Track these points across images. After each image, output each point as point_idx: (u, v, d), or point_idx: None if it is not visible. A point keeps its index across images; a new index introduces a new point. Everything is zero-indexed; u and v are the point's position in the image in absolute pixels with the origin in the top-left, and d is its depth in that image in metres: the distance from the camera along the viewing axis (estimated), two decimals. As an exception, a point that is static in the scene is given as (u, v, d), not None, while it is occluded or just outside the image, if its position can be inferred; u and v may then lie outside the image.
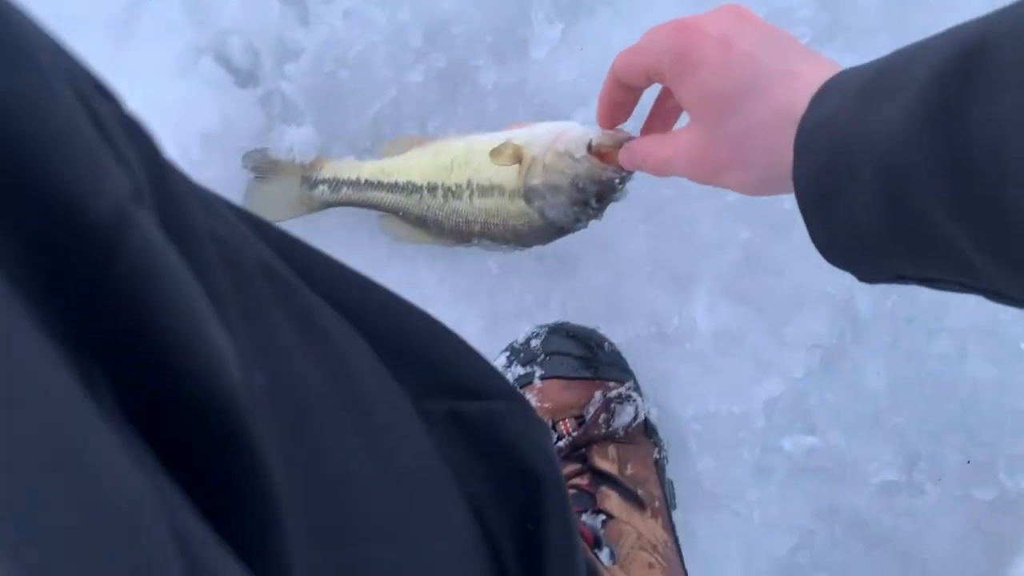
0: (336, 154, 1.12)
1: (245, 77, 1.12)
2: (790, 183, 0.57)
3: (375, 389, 0.46)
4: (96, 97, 0.28)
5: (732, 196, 1.18)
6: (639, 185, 1.13)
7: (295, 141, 1.06)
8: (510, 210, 0.93)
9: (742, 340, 1.06)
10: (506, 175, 0.93)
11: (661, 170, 0.74)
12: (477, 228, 0.97)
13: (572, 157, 0.86)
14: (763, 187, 0.64)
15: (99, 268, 0.25)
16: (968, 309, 1.07)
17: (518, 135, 0.92)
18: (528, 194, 0.91)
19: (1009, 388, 1.04)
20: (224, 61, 1.11)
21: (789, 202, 1.10)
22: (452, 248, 1.12)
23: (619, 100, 0.77)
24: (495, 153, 0.92)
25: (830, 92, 0.55)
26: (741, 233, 1.09)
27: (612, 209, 1.15)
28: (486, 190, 0.95)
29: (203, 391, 0.27)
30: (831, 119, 0.53)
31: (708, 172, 0.66)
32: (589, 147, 0.85)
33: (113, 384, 0.26)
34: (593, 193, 0.88)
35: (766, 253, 1.09)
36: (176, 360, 0.26)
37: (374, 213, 1.10)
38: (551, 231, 0.94)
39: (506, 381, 0.58)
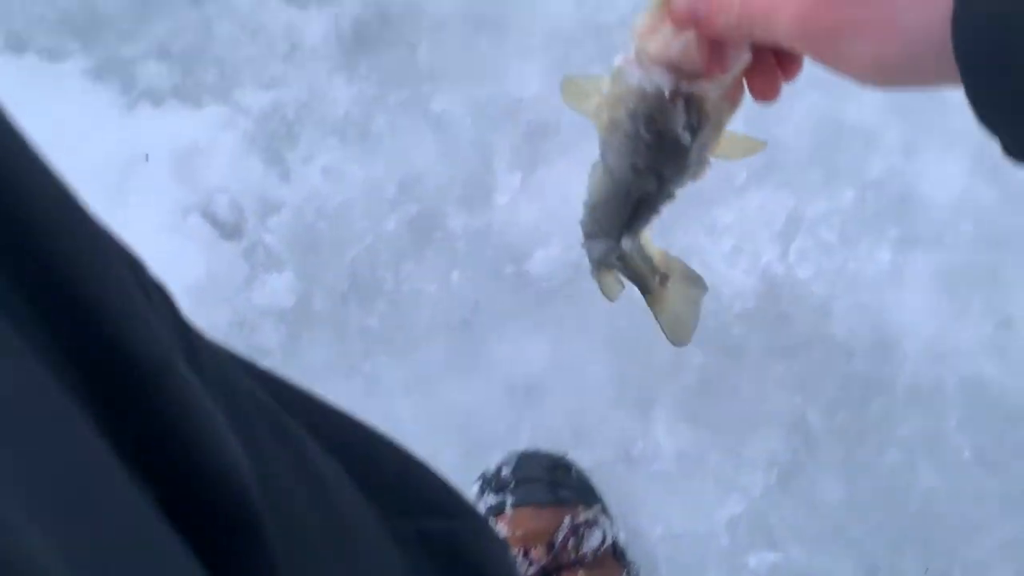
0: (317, 303, 1.16)
1: (230, 231, 1.17)
2: (943, 62, 0.41)
3: (354, 512, 0.48)
4: (138, 268, 0.35)
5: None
6: (597, 315, 1.18)
7: (276, 288, 1.10)
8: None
9: (703, 460, 1.08)
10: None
11: (750, 22, 0.47)
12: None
13: (616, 69, 0.54)
14: (904, 66, 0.44)
15: (149, 399, 0.32)
16: (915, 421, 1.09)
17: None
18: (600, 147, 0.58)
19: (959, 496, 1.05)
20: (210, 217, 1.16)
21: (737, 328, 1.15)
22: (430, 378, 1.15)
23: None
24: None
25: None
26: (695, 358, 1.13)
27: (574, 337, 1.19)
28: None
29: (225, 489, 0.33)
30: None
31: (829, 35, 0.44)
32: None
33: (154, 485, 0.32)
34: (643, 115, 0.52)
35: (720, 376, 1.12)
36: (206, 466, 0.33)
37: (355, 351, 1.14)
38: (629, 195, 0.59)
39: (466, 499, 0.60)
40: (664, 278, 0.67)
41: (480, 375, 1.15)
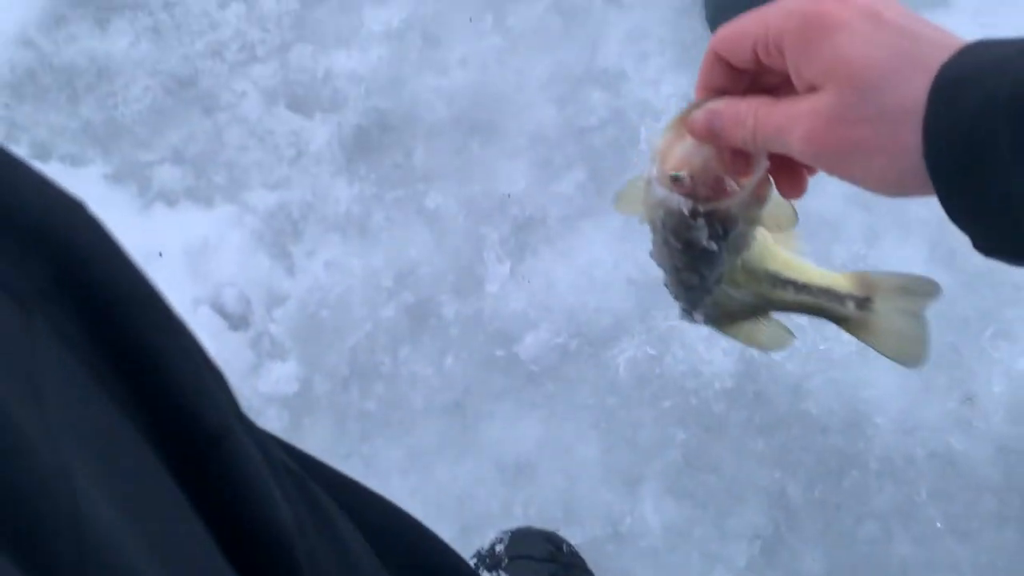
0: (317, 388, 1.21)
1: (237, 322, 1.24)
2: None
3: (371, 571, 0.54)
4: (204, 352, 0.43)
5: (668, 401, 1.29)
6: (585, 395, 1.23)
7: (280, 376, 1.16)
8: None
9: (688, 534, 1.12)
10: None
11: (764, 138, 0.50)
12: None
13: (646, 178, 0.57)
14: (905, 181, 0.47)
15: (208, 456, 0.39)
16: (888, 493, 1.14)
17: None
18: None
19: (934, 565, 1.09)
20: (219, 309, 1.23)
21: (718, 406, 1.21)
22: (425, 459, 1.19)
23: (718, 85, 0.54)
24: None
25: (983, 45, 0.45)
26: (679, 435, 1.18)
27: (563, 417, 1.24)
28: None
29: (275, 537, 0.41)
30: (993, 65, 0.43)
31: (836, 153, 0.47)
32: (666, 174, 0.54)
33: (214, 529, 0.39)
34: (670, 228, 0.55)
35: (703, 452, 1.17)
36: (256, 513, 0.40)
37: (354, 434, 1.19)
38: (680, 283, 0.60)
39: (469, 567, 0.65)
40: (864, 301, 0.61)
41: (473, 455, 1.20)
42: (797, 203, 0.57)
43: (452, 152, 1.39)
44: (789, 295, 0.60)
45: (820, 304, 0.61)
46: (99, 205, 1.36)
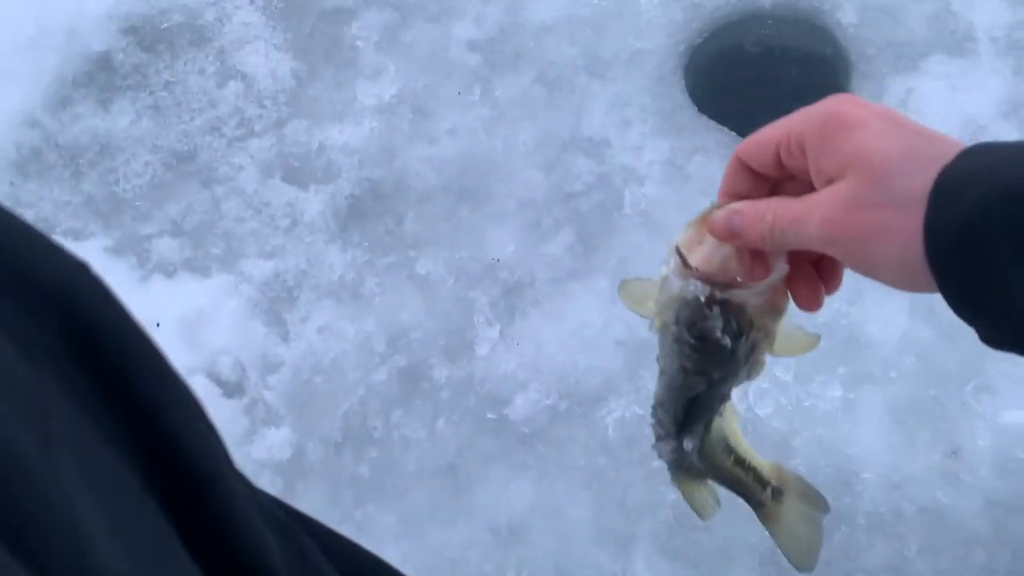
0: (310, 454, 1.23)
1: (232, 389, 1.26)
2: None
3: None
4: (199, 404, 0.46)
5: (658, 460, 1.30)
6: (576, 456, 1.24)
7: (274, 442, 1.17)
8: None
9: (680, 594, 1.12)
10: None
11: (782, 230, 0.52)
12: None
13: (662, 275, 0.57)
14: (916, 271, 0.48)
15: (201, 499, 0.42)
16: (878, 549, 1.14)
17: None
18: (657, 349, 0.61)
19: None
20: (215, 377, 1.25)
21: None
22: (418, 522, 1.20)
23: (740, 191, 0.56)
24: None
25: (984, 147, 0.48)
26: (670, 495, 1.19)
27: (554, 478, 1.25)
28: None
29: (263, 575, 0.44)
30: (989, 167, 0.46)
31: (852, 237, 0.49)
32: (680, 254, 0.56)
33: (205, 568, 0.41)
34: (685, 321, 0.56)
35: (693, 512, 1.17)
36: (246, 555, 0.43)
37: (347, 499, 1.20)
38: (681, 395, 0.61)
39: None
40: (778, 492, 0.63)
41: (465, 518, 1.20)
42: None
43: (442, 218, 1.43)
44: (729, 464, 0.62)
45: (746, 482, 0.63)
46: (97, 278, 1.36)
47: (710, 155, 1.43)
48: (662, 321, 0.56)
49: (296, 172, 1.47)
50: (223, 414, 1.21)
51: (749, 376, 0.57)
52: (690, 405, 0.59)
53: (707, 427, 0.61)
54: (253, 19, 1.62)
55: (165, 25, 1.64)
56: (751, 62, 1.57)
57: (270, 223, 1.42)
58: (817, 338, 0.58)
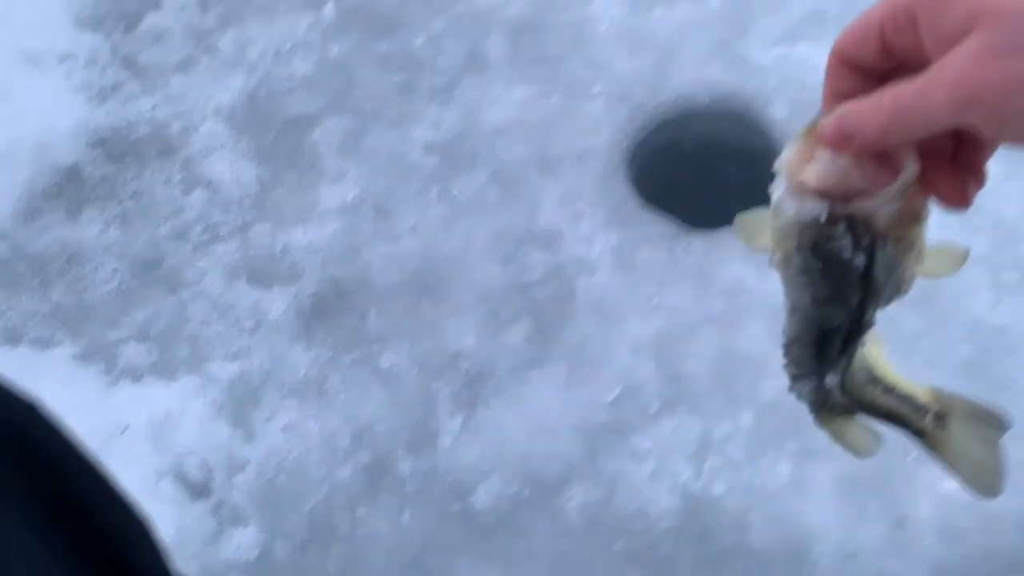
0: (278, 553, 1.24)
1: (199, 490, 1.28)
2: None
3: None
4: (145, 520, 0.49)
5: (618, 542, 1.33)
6: (540, 542, 1.26)
7: (241, 542, 1.19)
8: None
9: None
10: None
11: (903, 116, 0.44)
12: None
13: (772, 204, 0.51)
14: None
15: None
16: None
17: None
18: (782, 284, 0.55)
19: None
20: (181, 479, 1.27)
21: (666, 544, 1.25)
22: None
23: (845, 90, 0.49)
24: None
25: None
26: (630, 575, 1.21)
27: (520, 565, 1.27)
28: None
29: None
30: None
31: (1001, 90, 0.42)
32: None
33: None
34: (807, 246, 0.49)
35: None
36: None
37: None
38: (818, 329, 0.54)
39: None
40: (940, 417, 0.58)
41: (433, 611, 1.21)
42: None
43: (405, 313, 1.48)
44: (877, 394, 0.58)
45: (901, 411, 0.58)
46: (66, 385, 1.42)
47: (655, 244, 1.50)
48: (783, 252, 0.50)
49: (260, 274, 1.52)
50: (191, 516, 1.23)
51: (897, 294, 0.51)
52: (829, 338, 0.53)
53: (847, 362, 0.55)
54: (218, 129, 1.69)
55: (133, 137, 1.71)
56: (690, 156, 1.67)
57: (235, 325, 1.46)
58: (968, 251, 0.53)
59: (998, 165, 0.47)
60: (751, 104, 1.63)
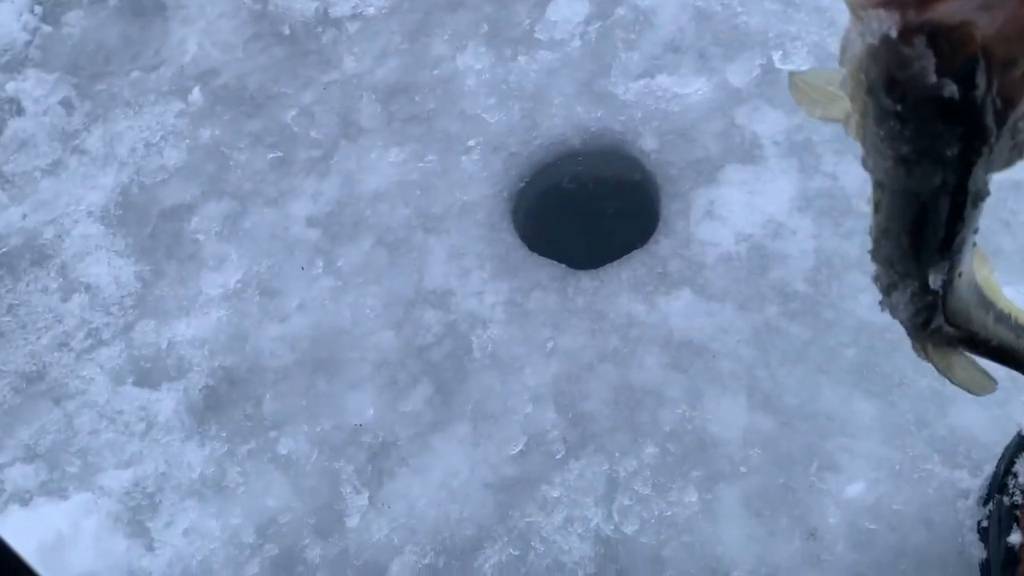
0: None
1: (97, 613, 1.21)
2: None
3: None
4: None
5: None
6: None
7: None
8: None
9: None
10: None
11: None
12: None
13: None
14: None
15: None
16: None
17: None
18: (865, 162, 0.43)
19: None
20: (76, 604, 1.20)
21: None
22: None
23: None
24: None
25: None
26: (554, 632, 1.19)
27: None
28: None
29: None
30: None
31: None
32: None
33: None
34: (881, 83, 0.36)
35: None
36: None
37: None
38: (913, 200, 0.42)
39: None
40: None
41: None
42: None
43: (299, 394, 1.44)
44: (989, 321, 0.47)
45: (1012, 342, 0.47)
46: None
47: (546, 289, 1.50)
48: (859, 109, 0.38)
49: (147, 374, 1.47)
50: (86, 644, 1.16)
51: (1015, 151, 0.36)
52: (926, 218, 0.40)
53: (954, 258, 0.43)
54: (92, 230, 1.65)
55: (4, 249, 1.65)
56: (570, 197, 1.69)
57: (125, 431, 1.41)
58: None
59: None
60: (622, 139, 1.66)
